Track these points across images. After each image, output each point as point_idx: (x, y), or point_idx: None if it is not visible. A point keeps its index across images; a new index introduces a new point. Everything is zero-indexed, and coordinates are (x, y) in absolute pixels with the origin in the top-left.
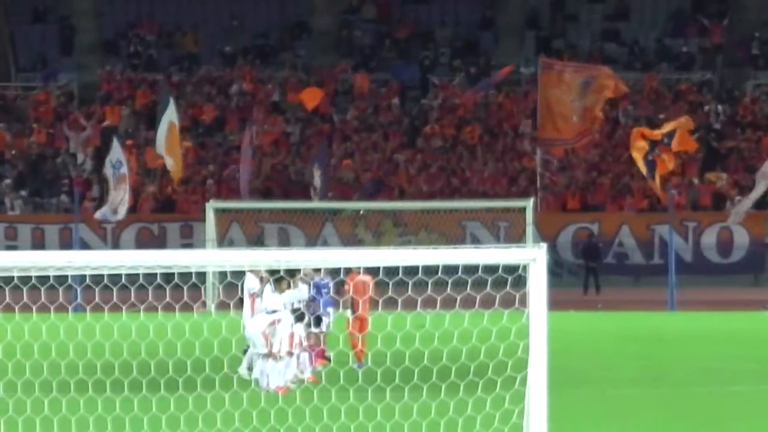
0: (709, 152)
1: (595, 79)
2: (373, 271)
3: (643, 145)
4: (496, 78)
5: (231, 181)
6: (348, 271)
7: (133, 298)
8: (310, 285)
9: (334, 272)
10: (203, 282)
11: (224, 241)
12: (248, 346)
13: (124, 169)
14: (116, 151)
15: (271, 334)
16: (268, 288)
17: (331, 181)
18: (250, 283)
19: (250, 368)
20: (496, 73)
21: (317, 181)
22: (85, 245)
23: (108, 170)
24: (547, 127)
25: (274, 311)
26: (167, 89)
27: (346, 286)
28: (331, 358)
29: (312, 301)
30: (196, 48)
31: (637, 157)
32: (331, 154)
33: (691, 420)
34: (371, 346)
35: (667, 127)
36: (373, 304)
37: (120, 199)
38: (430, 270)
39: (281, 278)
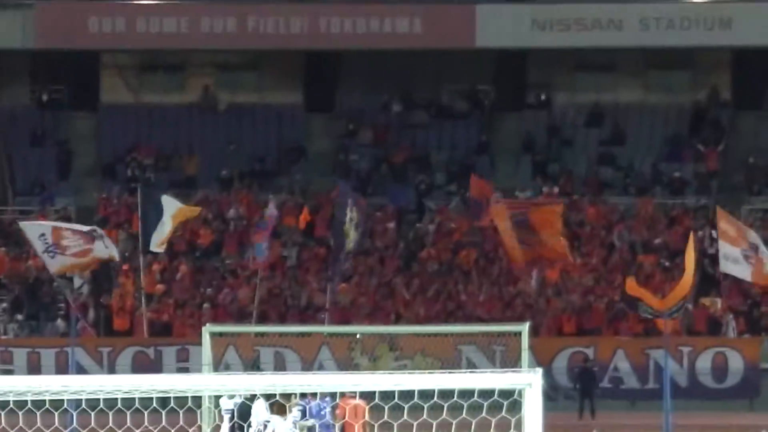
0: (704, 277)
1: (530, 216)
2: (367, 396)
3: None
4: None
5: (227, 305)
6: (342, 395)
7: (129, 423)
8: (306, 408)
9: (331, 396)
10: (199, 406)
11: (220, 364)
12: None
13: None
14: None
15: None
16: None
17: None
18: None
19: None
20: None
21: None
22: (81, 369)
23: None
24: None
25: None
26: (152, 195)
27: (339, 411)
28: None
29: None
30: (194, 171)
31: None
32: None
33: None
34: None
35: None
36: (369, 428)
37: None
38: (426, 394)
39: (282, 403)
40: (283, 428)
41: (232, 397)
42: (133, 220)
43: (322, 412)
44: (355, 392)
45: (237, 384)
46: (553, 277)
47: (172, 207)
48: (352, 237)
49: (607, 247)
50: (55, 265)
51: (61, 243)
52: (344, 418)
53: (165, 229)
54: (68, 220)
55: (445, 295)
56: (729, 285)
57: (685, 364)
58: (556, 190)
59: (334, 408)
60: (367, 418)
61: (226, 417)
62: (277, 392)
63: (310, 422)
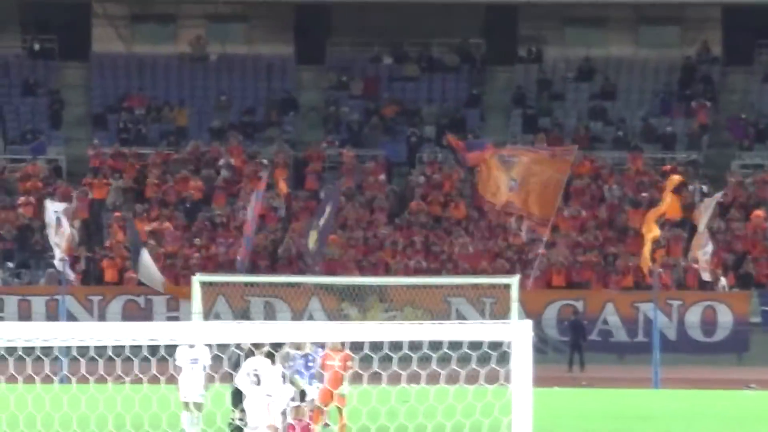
0: (693, 232)
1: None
2: (356, 346)
3: (655, 235)
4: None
5: (218, 255)
6: (328, 346)
7: (119, 370)
8: (294, 358)
9: (319, 346)
10: None
11: (210, 314)
12: (234, 420)
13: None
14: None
15: (267, 408)
16: (266, 362)
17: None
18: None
19: None
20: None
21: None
22: (71, 317)
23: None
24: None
25: (269, 385)
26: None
27: (325, 362)
28: None
29: (297, 374)
30: (184, 122)
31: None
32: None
33: None
34: (356, 420)
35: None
36: (357, 378)
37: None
38: (416, 345)
39: (271, 352)
40: (271, 376)
41: (192, 346)
42: (125, 169)
43: (310, 364)
44: (342, 344)
45: (226, 333)
46: (543, 232)
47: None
48: (314, 239)
49: (597, 201)
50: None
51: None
52: (332, 369)
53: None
54: (59, 170)
55: (435, 247)
56: (719, 240)
57: (675, 318)
58: (546, 144)
59: (319, 359)
60: (353, 368)
61: (192, 366)
62: (267, 342)
63: (302, 383)
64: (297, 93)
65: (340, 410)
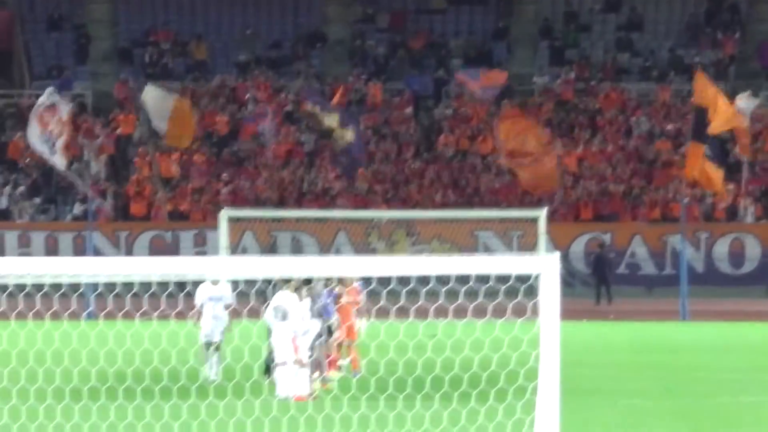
0: (722, 164)
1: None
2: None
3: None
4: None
5: (244, 190)
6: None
7: (146, 306)
8: (322, 294)
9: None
10: None
11: (237, 249)
12: (267, 354)
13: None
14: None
15: (293, 343)
16: (294, 297)
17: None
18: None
19: (266, 373)
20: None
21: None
22: (98, 253)
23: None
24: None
25: (296, 321)
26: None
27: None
28: (343, 367)
29: (324, 310)
30: (210, 57)
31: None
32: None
33: (703, 430)
34: (383, 355)
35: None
36: (383, 312)
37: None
38: (443, 279)
39: (301, 287)
40: (299, 311)
41: (216, 282)
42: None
43: (335, 299)
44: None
45: (253, 267)
46: (571, 164)
47: (157, 99)
48: (340, 134)
49: (624, 133)
50: (59, 160)
51: (50, 130)
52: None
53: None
54: (85, 105)
55: (463, 181)
56: (747, 171)
57: (702, 250)
58: (572, 75)
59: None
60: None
61: (214, 305)
62: (294, 277)
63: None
64: (323, 26)
65: (349, 344)
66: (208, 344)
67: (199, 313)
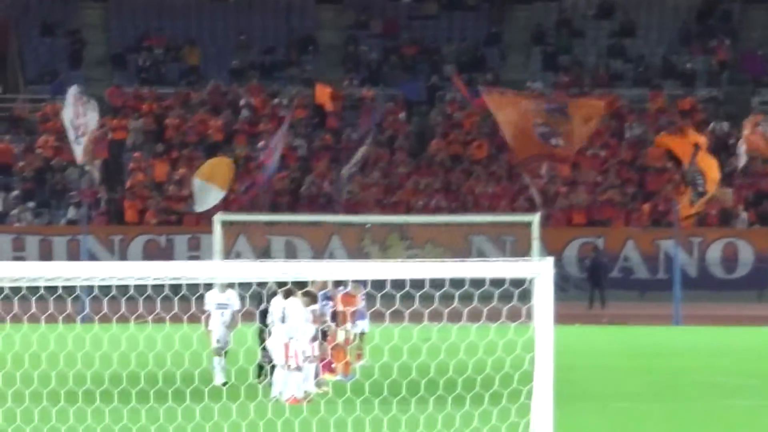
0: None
1: (570, 108)
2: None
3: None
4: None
5: (238, 194)
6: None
7: (141, 309)
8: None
9: (340, 285)
10: None
11: (231, 253)
12: (262, 358)
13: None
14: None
15: (291, 345)
16: (290, 301)
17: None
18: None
19: (259, 376)
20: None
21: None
22: (92, 257)
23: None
24: (519, 148)
25: (290, 324)
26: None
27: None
28: (337, 370)
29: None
30: (204, 62)
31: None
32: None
33: None
34: (378, 359)
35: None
36: (378, 316)
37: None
38: (438, 283)
39: (293, 291)
40: (294, 315)
41: (224, 290)
42: (144, 109)
43: (331, 302)
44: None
45: (248, 271)
46: (564, 172)
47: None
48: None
49: (617, 138)
50: (79, 151)
51: (80, 123)
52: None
53: (209, 195)
54: None
55: (456, 186)
56: (741, 176)
57: (695, 255)
58: (565, 81)
59: (339, 298)
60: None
61: (222, 312)
62: (290, 281)
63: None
64: (316, 32)
65: (343, 348)
66: (219, 350)
67: (208, 318)
